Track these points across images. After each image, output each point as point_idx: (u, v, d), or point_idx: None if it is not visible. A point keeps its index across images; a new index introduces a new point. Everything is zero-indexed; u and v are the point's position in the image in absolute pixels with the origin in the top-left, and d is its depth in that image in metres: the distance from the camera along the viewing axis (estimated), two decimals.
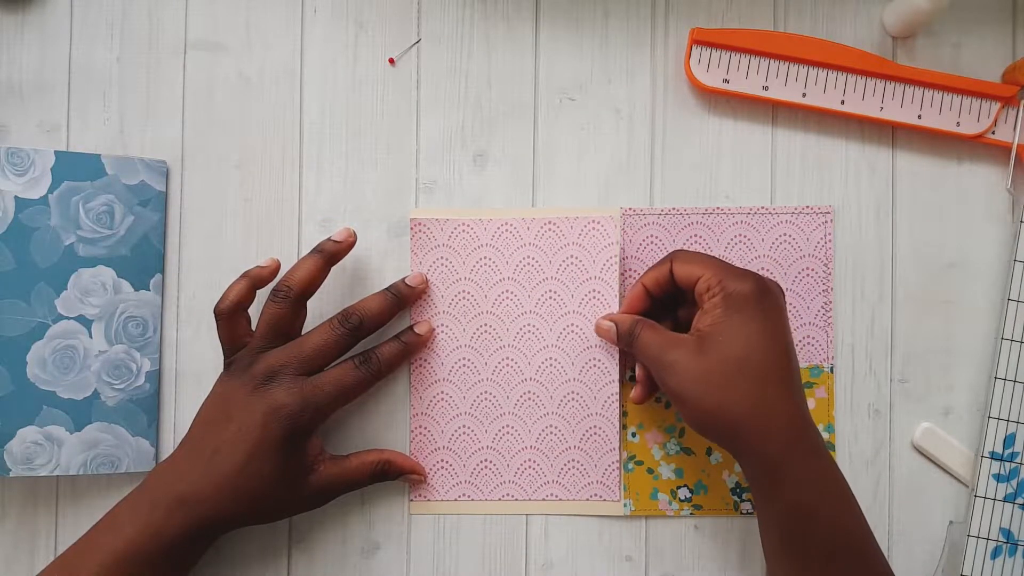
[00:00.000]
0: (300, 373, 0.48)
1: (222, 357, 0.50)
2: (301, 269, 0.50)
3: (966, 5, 0.54)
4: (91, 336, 0.51)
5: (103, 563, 0.45)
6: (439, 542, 0.53)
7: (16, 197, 0.51)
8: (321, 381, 0.49)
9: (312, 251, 0.51)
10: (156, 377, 0.53)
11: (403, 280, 0.52)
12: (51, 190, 0.51)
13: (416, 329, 0.52)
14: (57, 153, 0.51)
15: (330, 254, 0.51)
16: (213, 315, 0.50)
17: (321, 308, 0.53)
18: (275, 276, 0.51)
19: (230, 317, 0.49)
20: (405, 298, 0.52)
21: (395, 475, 0.52)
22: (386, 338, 0.52)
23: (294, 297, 0.49)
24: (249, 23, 0.54)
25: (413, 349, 0.52)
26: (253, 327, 0.51)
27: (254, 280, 0.50)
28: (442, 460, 0.53)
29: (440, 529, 0.53)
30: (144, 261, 0.53)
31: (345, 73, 0.54)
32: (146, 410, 0.52)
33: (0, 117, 0.53)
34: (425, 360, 0.54)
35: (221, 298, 0.50)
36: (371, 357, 0.50)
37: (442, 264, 0.54)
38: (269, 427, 0.47)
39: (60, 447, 0.51)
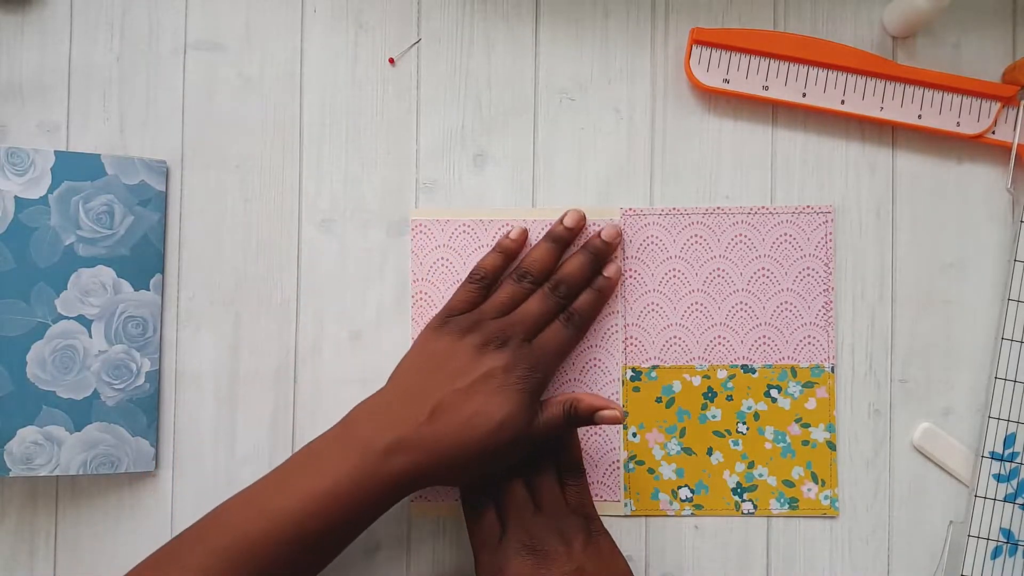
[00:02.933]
0: (526, 339, 0.50)
1: (222, 356, 0.50)
2: (541, 258, 0.52)
3: (966, 5, 0.54)
4: (91, 336, 0.51)
5: (305, 505, 0.45)
6: (439, 542, 0.53)
7: (16, 197, 0.51)
8: (543, 342, 0.50)
9: (544, 238, 0.53)
10: (156, 377, 0.53)
11: (598, 235, 0.53)
12: (51, 190, 0.51)
13: (606, 273, 0.53)
14: (57, 153, 0.51)
15: (564, 241, 0.53)
16: (467, 279, 0.52)
17: (323, 308, 0.53)
18: (523, 246, 0.53)
19: (482, 284, 0.52)
20: (603, 254, 0.53)
21: (586, 415, 0.49)
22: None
23: (538, 282, 0.52)
24: (249, 23, 0.54)
25: (607, 294, 0.53)
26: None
27: (506, 252, 0.53)
28: None
29: (440, 529, 0.53)
30: (144, 261, 0.53)
31: (345, 73, 0.54)
32: (146, 410, 0.52)
33: (0, 117, 0.53)
34: None
35: (477, 267, 0.52)
36: (573, 315, 0.52)
37: (443, 265, 0.54)
38: (510, 386, 0.48)
39: (60, 447, 0.51)
